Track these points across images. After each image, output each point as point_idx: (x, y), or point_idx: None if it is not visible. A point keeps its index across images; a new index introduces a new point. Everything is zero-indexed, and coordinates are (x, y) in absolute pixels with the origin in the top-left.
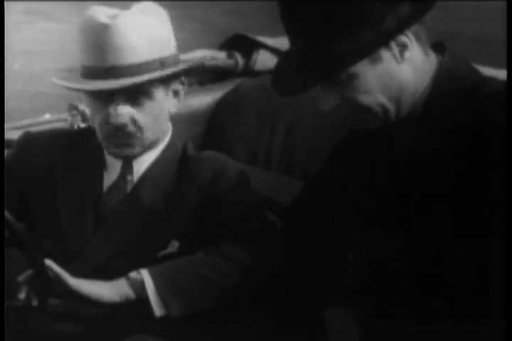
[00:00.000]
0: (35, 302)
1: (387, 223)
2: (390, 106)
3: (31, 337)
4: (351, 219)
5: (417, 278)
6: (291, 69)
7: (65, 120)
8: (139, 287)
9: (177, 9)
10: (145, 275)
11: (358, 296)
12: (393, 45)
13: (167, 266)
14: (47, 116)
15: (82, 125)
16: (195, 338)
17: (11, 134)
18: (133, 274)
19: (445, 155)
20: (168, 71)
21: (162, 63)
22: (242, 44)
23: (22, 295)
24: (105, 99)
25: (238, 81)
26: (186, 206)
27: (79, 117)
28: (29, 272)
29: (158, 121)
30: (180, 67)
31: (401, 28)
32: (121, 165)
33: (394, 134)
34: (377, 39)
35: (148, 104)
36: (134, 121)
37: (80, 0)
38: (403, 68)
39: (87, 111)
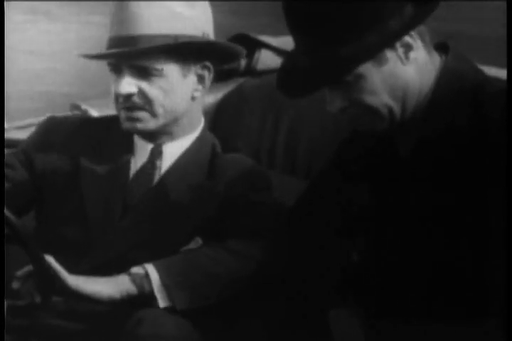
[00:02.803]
0: (38, 299)
1: (390, 223)
2: (396, 107)
3: (33, 335)
4: (354, 218)
5: (419, 278)
6: (296, 71)
7: None
8: (142, 281)
9: None
10: (149, 268)
11: (360, 296)
12: (398, 45)
13: (171, 260)
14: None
15: None
16: (198, 338)
17: (13, 134)
18: (135, 269)
19: (447, 155)
20: (155, 43)
21: (176, 40)
22: (244, 43)
23: (17, 286)
24: (116, 71)
25: (240, 80)
26: (211, 202)
27: None
28: (28, 268)
29: (170, 97)
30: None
31: (406, 29)
32: (150, 150)
33: (397, 133)
34: (383, 40)
35: (156, 79)
36: (141, 93)
37: (83, 0)
38: (408, 69)
39: (90, 110)
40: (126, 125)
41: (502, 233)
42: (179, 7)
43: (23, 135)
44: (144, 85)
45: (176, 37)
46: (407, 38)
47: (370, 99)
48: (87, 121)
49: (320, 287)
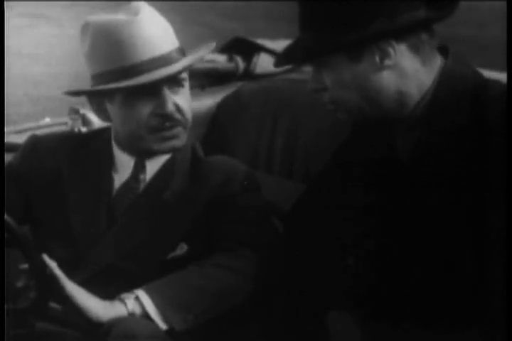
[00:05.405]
0: (31, 293)
1: (388, 226)
2: (366, 107)
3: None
4: (353, 219)
5: (418, 280)
6: (295, 43)
7: (65, 124)
8: (134, 307)
9: (177, 13)
10: (140, 294)
11: (358, 299)
12: (376, 51)
13: (160, 282)
14: (47, 120)
15: (83, 129)
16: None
17: (12, 138)
18: (129, 302)
19: (448, 156)
20: (195, 57)
21: (183, 51)
22: (242, 47)
23: (20, 283)
24: (147, 92)
25: (239, 84)
26: (197, 207)
27: (79, 121)
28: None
29: (190, 106)
30: (201, 54)
31: (411, 29)
32: (133, 165)
33: (397, 134)
34: (385, 34)
35: (182, 90)
36: (177, 107)
37: (82, 0)
38: (384, 74)
39: (88, 114)
40: (161, 146)
41: (502, 235)
42: (163, 22)
43: (21, 139)
44: (176, 99)
45: (180, 49)
46: (386, 46)
47: (337, 91)
48: (68, 137)
49: (318, 290)
